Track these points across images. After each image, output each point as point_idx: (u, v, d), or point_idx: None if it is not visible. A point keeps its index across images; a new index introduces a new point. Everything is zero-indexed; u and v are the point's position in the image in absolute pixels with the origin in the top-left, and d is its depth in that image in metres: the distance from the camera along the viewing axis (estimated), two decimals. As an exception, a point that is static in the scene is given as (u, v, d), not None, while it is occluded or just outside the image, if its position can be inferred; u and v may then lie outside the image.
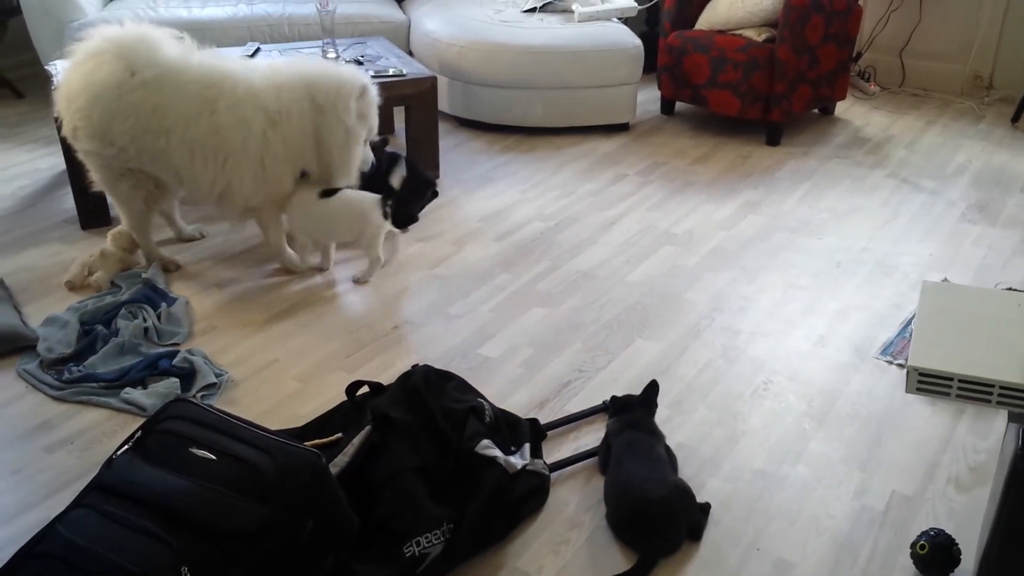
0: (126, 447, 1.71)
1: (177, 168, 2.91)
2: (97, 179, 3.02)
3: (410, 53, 4.63)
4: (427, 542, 1.82)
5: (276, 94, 2.87)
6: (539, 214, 3.62)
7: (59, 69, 3.65)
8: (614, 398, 2.33)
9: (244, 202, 2.97)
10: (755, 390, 2.54)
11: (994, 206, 3.71)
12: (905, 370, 2.61)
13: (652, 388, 2.30)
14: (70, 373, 2.51)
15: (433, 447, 2.04)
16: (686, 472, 2.20)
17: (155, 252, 3.16)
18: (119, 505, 1.58)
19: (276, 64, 2.98)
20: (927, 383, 1.55)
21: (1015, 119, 4.68)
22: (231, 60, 2.97)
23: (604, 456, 2.20)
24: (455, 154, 4.21)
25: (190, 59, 2.89)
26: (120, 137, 2.84)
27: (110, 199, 3.16)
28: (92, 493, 1.65)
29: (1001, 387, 1.51)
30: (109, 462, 1.70)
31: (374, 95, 3.01)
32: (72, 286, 2.98)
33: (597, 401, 2.45)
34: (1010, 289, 2.93)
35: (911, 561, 1.93)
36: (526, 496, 2.05)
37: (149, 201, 3.06)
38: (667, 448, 2.22)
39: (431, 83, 3.77)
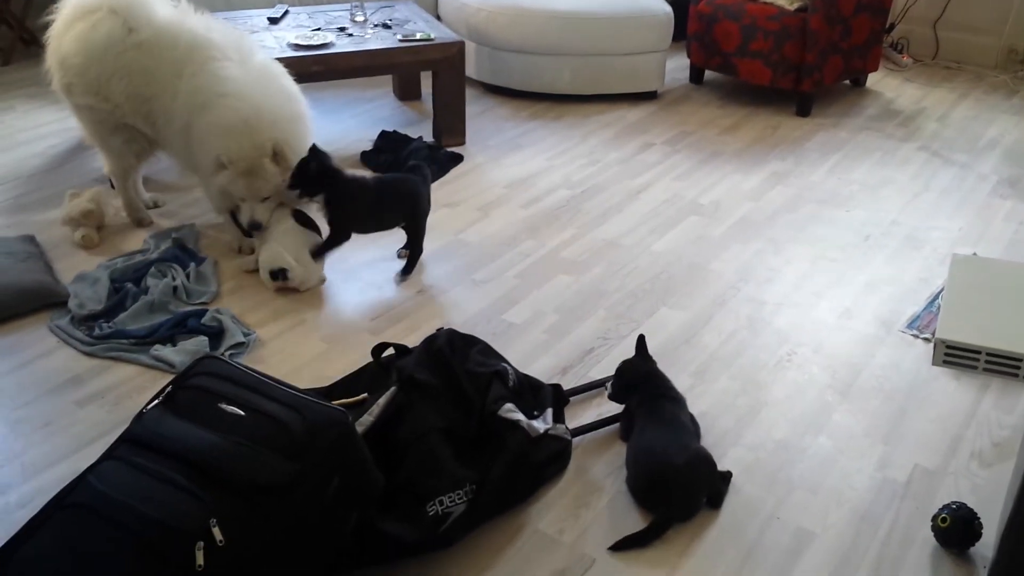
0: (156, 402, 1.73)
1: (158, 133, 2.94)
2: (89, 132, 3.05)
3: (438, 17, 4.61)
4: (450, 502, 1.84)
5: (219, 104, 2.72)
6: (565, 182, 3.61)
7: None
8: (618, 369, 2.28)
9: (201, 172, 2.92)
10: (779, 361, 2.54)
11: (1027, 181, 3.67)
12: (931, 343, 2.60)
13: (639, 340, 2.29)
14: (100, 329, 2.55)
15: (457, 409, 2.06)
16: (708, 440, 2.21)
17: (135, 204, 3.18)
18: (149, 458, 1.60)
19: (255, 64, 2.84)
20: (954, 356, 1.55)
21: (1051, 94, 4.61)
22: (224, 30, 2.89)
23: (625, 424, 2.21)
24: (481, 120, 4.20)
25: (183, 23, 2.86)
26: (116, 95, 2.87)
27: (99, 150, 3.16)
28: (123, 446, 1.67)
29: (1030, 361, 1.50)
30: (139, 416, 1.73)
31: (242, 167, 2.69)
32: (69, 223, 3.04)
33: (620, 368, 2.46)
34: (1041, 265, 2.90)
35: (932, 534, 1.93)
36: (548, 460, 2.07)
37: (140, 156, 3.08)
38: (691, 416, 2.22)
39: (458, 48, 3.75)
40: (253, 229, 2.81)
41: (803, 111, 4.34)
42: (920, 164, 3.83)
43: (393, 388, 2.01)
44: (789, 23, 4.15)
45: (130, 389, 2.36)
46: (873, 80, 4.83)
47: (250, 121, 2.69)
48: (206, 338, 2.48)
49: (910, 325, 2.70)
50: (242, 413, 1.64)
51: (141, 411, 1.74)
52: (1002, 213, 3.40)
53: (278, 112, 2.77)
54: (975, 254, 3.08)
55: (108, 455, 1.67)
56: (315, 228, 2.87)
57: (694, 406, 2.31)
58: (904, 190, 3.59)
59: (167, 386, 1.77)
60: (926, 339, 2.64)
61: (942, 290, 2.84)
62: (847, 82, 4.75)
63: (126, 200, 3.17)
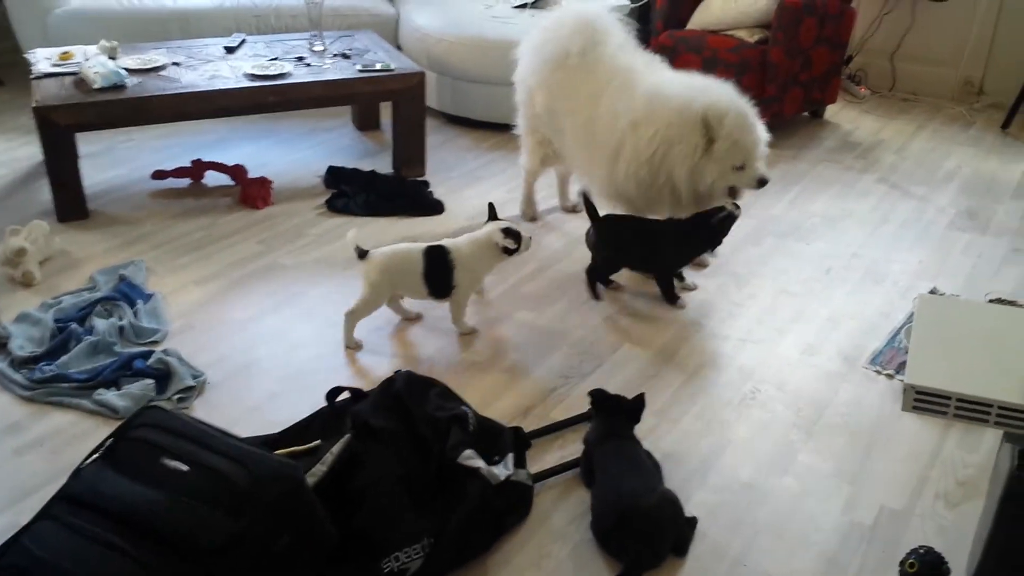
0: (95, 456, 1.65)
1: (563, 146, 3.22)
2: (521, 123, 3.40)
3: (398, 47, 4.57)
4: (406, 557, 1.77)
5: (649, 103, 2.86)
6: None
7: (38, 57, 3.57)
8: (601, 393, 2.24)
9: (602, 191, 3.10)
10: (743, 399, 2.51)
11: (984, 213, 3.69)
12: (892, 380, 2.58)
13: (639, 401, 2.22)
14: (42, 372, 2.44)
15: (415, 456, 1.99)
16: (672, 482, 2.16)
17: (532, 204, 3.52)
18: (87, 518, 1.52)
19: (672, 78, 2.99)
20: (924, 401, 1.52)
21: (1005, 125, 4.66)
22: (644, 58, 3.09)
23: (586, 468, 2.15)
24: (443, 151, 4.15)
25: (615, 55, 3.06)
26: (538, 104, 3.21)
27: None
28: (59, 504, 1.59)
29: (1000, 407, 1.47)
30: (77, 472, 1.64)
31: (735, 123, 2.78)
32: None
33: (583, 408, 2.40)
34: (1001, 300, 2.91)
35: (900, 579, 1.90)
36: (509, 508, 2.01)
37: (545, 162, 3.40)
38: (648, 454, 2.17)
39: (419, 79, 3.71)
40: (762, 185, 2.87)
41: (763, 142, 4.34)
42: (879, 196, 3.84)
43: (348, 435, 1.94)
44: (749, 55, 4.16)
45: (71, 436, 2.26)
46: (832, 112, 4.86)
47: (717, 90, 2.85)
48: (152, 381, 2.38)
49: (873, 361, 2.68)
50: (185, 468, 1.56)
51: (79, 466, 1.65)
52: (960, 246, 3.41)
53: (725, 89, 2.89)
54: (935, 289, 3.08)
55: (44, 514, 1.59)
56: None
57: (657, 447, 2.26)
58: (864, 222, 3.59)
59: (108, 439, 1.68)
60: (889, 375, 2.62)
61: (903, 325, 2.83)
62: (806, 113, 4.77)
63: (526, 203, 3.52)
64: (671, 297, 2.96)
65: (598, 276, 3.01)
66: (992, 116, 4.85)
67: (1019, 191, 3.92)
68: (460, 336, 2.75)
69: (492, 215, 2.78)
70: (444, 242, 2.70)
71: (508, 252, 2.69)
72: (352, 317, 2.65)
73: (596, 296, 2.98)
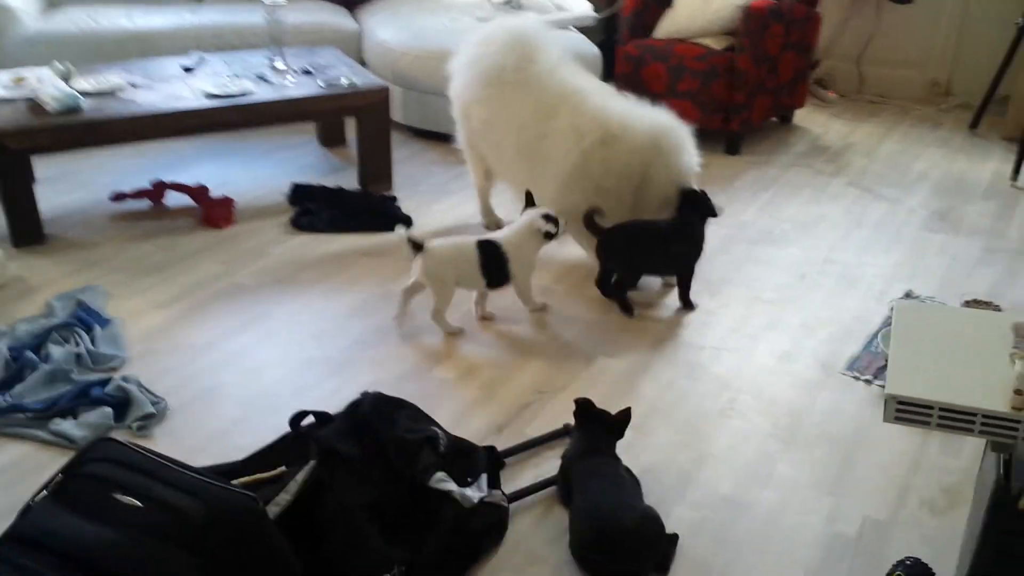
0: (44, 492, 1.56)
1: (501, 161, 3.23)
2: (460, 138, 3.43)
3: (363, 63, 4.51)
4: (376, 586, 1.70)
5: (622, 119, 2.93)
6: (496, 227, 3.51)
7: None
8: (586, 402, 2.16)
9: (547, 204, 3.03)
10: (720, 409, 2.46)
11: (955, 214, 3.68)
12: (871, 386, 2.55)
13: (625, 416, 2.15)
14: (-4, 404, 2.35)
15: (384, 481, 1.92)
16: (651, 499, 2.10)
17: (492, 214, 3.53)
18: (35, 558, 1.44)
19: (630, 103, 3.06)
20: (906, 412, 1.47)
21: (973, 125, 4.68)
22: (589, 80, 3.16)
23: (564, 486, 2.09)
24: (410, 166, 4.09)
25: (555, 70, 3.10)
26: (475, 120, 3.22)
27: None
28: (7, 544, 1.51)
29: (984, 416, 1.43)
30: (27, 509, 1.56)
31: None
32: None
33: (558, 423, 2.34)
34: (977, 301, 2.88)
35: (886, 592, 1.85)
36: (483, 531, 1.94)
37: (488, 176, 3.43)
38: (628, 470, 2.12)
39: (383, 94, 3.66)
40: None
41: (732, 149, 4.32)
42: (851, 200, 3.82)
43: (312, 462, 1.86)
44: (716, 63, 4.14)
45: (26, 469, 2.16)
46: (800, 116, 4.85)
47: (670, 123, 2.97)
48: (110, 409, 2.29)
49: (850, 367, 2.65)
50: (139, 503, 1.48)
51: (28, 504, 1.57)
52: (934, 247, 3.39)
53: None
54: (910, 292, 3.06)
55: (-10, 556, 1.50)
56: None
57: (635, 462, 2.20)
58: (836, 227, 3.57)
59: (57, 474, 1.60)
60: (867, 381, 2.58)
61: (880, 330, 2.80)
62: (775, 119, 4.76)
63: (484, 210, 3.54)
64: (688, 298, 2.96)
65: (623, 288, 2.95)
66: (960, 116, 4.87)
67: (989, 191, 3.92)
68: (530, 313, 2.89)
69: (529, 202, 2.87)
70: (490, 236, 2.81)
71: (549, 237, 2.78)
72: (438, 316, 2.75)
73: (629, 311, 2.90)
